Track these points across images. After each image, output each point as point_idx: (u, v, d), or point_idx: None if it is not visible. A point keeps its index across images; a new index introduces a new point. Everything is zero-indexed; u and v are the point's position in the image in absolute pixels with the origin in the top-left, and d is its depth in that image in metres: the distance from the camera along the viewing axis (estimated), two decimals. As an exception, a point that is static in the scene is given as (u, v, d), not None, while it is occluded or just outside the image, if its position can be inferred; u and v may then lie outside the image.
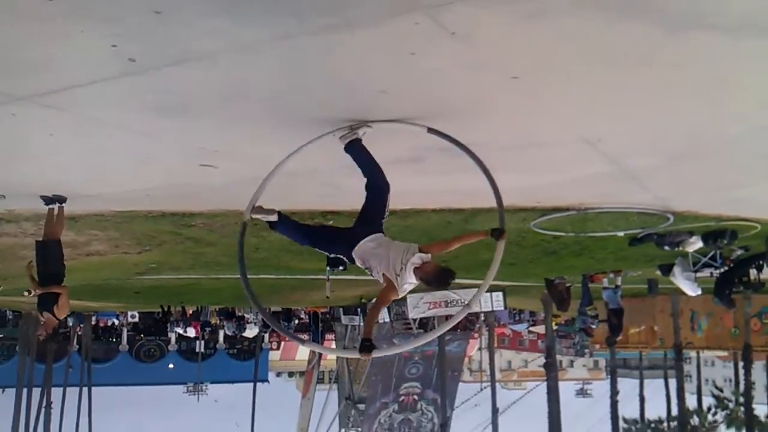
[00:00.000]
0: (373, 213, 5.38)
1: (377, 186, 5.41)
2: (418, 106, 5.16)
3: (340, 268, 11.52)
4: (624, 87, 4.81)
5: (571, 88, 4.85)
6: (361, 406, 28.18)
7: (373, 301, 5.83)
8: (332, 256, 11.66)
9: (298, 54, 4.21)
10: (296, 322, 38.61)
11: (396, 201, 7.69)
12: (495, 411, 28.12)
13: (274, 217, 5.84)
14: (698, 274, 13.59)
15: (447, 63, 4.36)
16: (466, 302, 5.66)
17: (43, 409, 33.32)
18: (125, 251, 12.01)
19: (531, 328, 50.07)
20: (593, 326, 17.68)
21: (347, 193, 8.23)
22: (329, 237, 5.69)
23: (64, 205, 8.26)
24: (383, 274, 5.05)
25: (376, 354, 5.21)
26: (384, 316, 23.73)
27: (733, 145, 6.29)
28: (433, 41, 4.01)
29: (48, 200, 8.21)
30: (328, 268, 11.78)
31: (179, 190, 8.29)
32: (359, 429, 28.46)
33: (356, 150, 5.45)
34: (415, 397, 26.62)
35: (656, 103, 5.15)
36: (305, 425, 26.51)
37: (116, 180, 7.77)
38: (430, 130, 5.18)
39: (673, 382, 37.44)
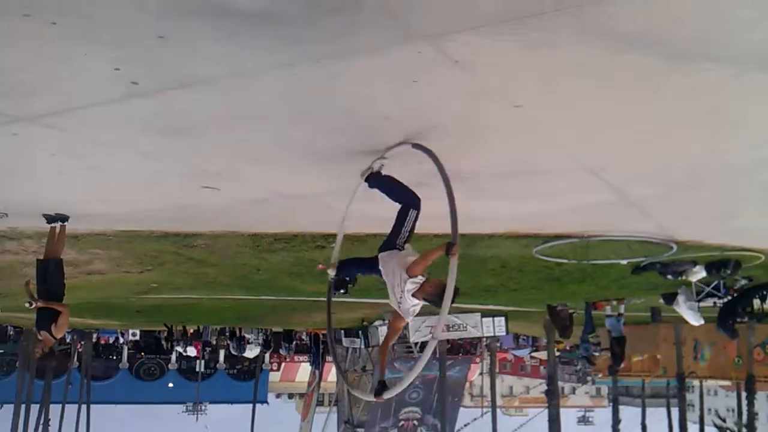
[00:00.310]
0: (392, 232, 5.35)
1: (404, 206, 5.40)
2: (420, 133, 5.15)
3: (342, 292, 11.44)
4: (627, 116, 4.81)
5: (574, 118, 4.85)
6: (360, 430, 27.93)
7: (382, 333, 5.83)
8: (333, 278, 11.69)
9: (299, 81, 4.21)
10: (296, 343, 38.53)
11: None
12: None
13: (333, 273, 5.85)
14: (702, 304, 13.51)
15: (449, 91, 4.35)
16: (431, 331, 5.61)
17: (41, 426, 33.13)
18: (127, 270, 11.98)
19: (533, 354, 49.81)
20: (596, 354, 17.55)
21: (349, 216, 8.25)
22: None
23: (66, 223, 8.25)
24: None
25: (387, 396, 5.25)
26: (385, 339, 23.57)
27: (735, 176, 6.28)
28: (435, 70, 4.01)
29: (50, 219, 8.20)
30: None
31: (181, 211, 8.29)
32: (359, 453, 28.22)
33: (378, 182, 5.51)
34: (415, 422, 26.37)
35: (659, 132, 5.13)
36: (304, 449, 26.31)
37: (118, 200, 7.76)
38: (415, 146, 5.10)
39: (675, 411, 37.10)
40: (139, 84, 4.26)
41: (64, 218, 8.21)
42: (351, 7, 3.35)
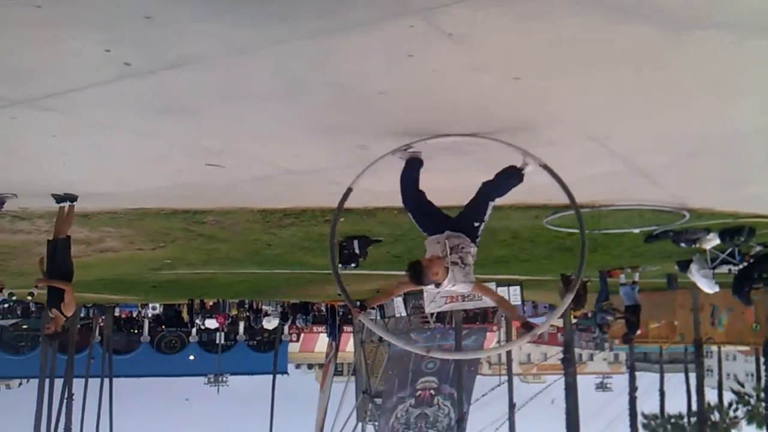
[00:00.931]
0: (473, 214, 5.59)
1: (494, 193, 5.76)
2: (419, 107, 5.09)
3: (352, 265, 11.46)
4: (629, 87, 4.70)
5: (574, 89, 4.75)
6: (378, 400, 28.14)
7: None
8: (345, 252, 11.73)
9: (293, 57, 4.15)
10: (313, 314, 38.80)
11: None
12: (512, 407, 27.99)
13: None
14: (717, 271, 13.39)
15: (446, 64, 4.28)
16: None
17: (65, 401, 33.70)
18: (139, 247, 12.06)
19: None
20: (609, 320, 17.48)
21: (357, 190, 8.21)
22: (431, 212, 5.70)
23: (75, 203, 8.28)
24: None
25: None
26: (401, 309, 23.65)
27: (742, 142, 6.16)
28: (430, 43, 3.94)
29: (59, 198, 8.23)
30: (340, 265, 11.72)
31: (188, 189, 8.28)
32: (376, 423, 28.44)
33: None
34: (432, 391, 26.54)
35: (663, 102, 5.03)
36: (321, 419, 26.52)
37: (124, 179, 7.77)
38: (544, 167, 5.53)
39: (693, 377, 37.08)
40: (132, 65, 4.23)
41: (72, 198, 8.24)
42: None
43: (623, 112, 5.28)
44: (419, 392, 26.89)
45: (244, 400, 54.79)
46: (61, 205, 8.29)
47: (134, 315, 46.65)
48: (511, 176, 5.77)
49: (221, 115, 5.31)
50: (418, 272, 4.92)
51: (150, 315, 45.16)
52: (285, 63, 4.26)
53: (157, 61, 4.21)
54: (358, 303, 5.43)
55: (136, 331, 47.81)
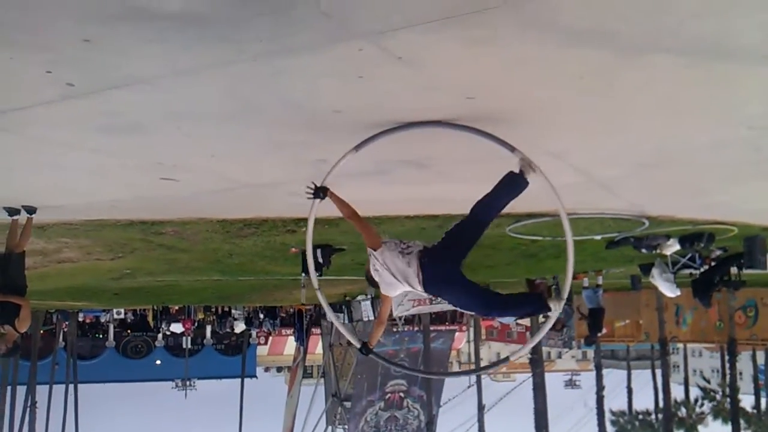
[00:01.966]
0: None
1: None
2: (376, 125, 5.02)
3: (317, 274, 11.35)
4: (582, 106, 4.69)
5: (528, 109, 4.73)
6: (348, 404, 28.05)
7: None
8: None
9: (239, 78, 4.06)
10: (280, 318, 38.57)
11: (370, 209, 7.67)
12: (481, 408, 28.10)
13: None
14: (679, 273, 13.54)
15: (397, 86, 4.22)
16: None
17: (28, 408, 33.09)
18: (98, 258, 11.84)
19: (518, 321, 50.14)
20: (561, 318, 17.53)
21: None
22: None
23: (33, 216, 8.06)
24: None
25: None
26: (368, 313, 23.58)
27: (698, 156, 6.20)
28: (380, 66, 3.87)
29: (12, 211, 8.02)
30: (303, 275, 11.62)
31: (144, 202, 8.14)
32: (346, 426, 28.36)
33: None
34: (401, 394, 26.52)
35: (618, 119, 5.04)
36: (290, 424, 26.35)
37: (78, 192, 7.60)
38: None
39: (660, 373, 37.59)
40: (75, 86, 4.11)
41: (31, 210, 8.02)
42: (279, 8, 3.20)
43: (579, 129, 5.28)
44: (388, 395, 26.86)
45: (213, 404, 54.34)
46: (14, 218, 8.08)
47: (99, 320, 45.88)
48: (511, 184, 5.12)
49: (172, 133, 5.19)
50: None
51: (114, 319, 44.42)
52: (233, 84, 4.16)
53: (101, 82, 4.09)
54: (362, 344, 5.41)
55: (101, 336, 46.94)
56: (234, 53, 3.69)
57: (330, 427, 30.22)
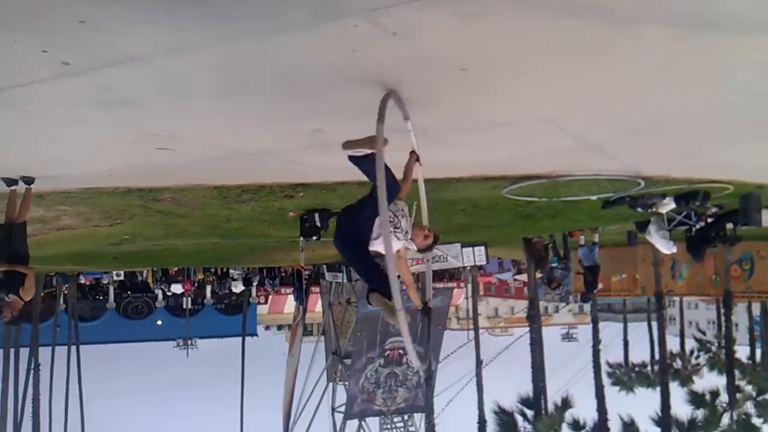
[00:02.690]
0: None
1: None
2: (368, 96, 5.03)
3: (314, 238, 11.46)
4: (578, 75, 4.71)
5: (522, 78, 4.75)
6: (348, 361, 28.41)
7: None
8: (307, 225, 11.70)
9: (233, 55, 4.07)
10: (280, 277, 38.81)
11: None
12: (479, 363, 28.50)
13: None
14: (675, 230, 13.62)
15: (392, 59, 4.23)
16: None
17: (31, 371, 33.40)
18: (96, 224, 11.87)
19: (516, 277, 50.47)
20: (557, 277, 17.72)
21: (312, 167, 8.18)
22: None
23: (31, 186, 8.09)
24: None
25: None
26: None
27: (691, 119, 6.22)
28: (374, 41, 3.88)
29: (10, 182, 8.04)
30: (301, 238, 11.71)
31: (141, 170, 8.15)
32: (346, 383, 28.77)
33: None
34: (401, 351, 26.80)
35: (611, 86, 5.05)
36: (291, 383, 26.75)
37: (76, 163, 7.62)
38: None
39: (656, 326, 37.95)
40: (71, 64, 4.12)
41: (29, 180, 8.04)
42: (273, -11, 3.21)
43: (573, 95, 5.28)
44: (388, 352, 27.17)
45: (215, 363, 55.00)
46: (12, 187, 8.11)
47: (100, 282, 46.04)
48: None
49: (166, 107, 5.21)
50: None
51: (114, 281, 44.57)
52: (224, 61, 4.17)
53: (96, 61, 4.10)
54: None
55: (101, 298, 47.17)
56: (225, 32, 3.70)
57: (331, 384, 30.68)
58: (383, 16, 3.55)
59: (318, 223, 11.19)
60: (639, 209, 11.49)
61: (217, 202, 10.36)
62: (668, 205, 11.41)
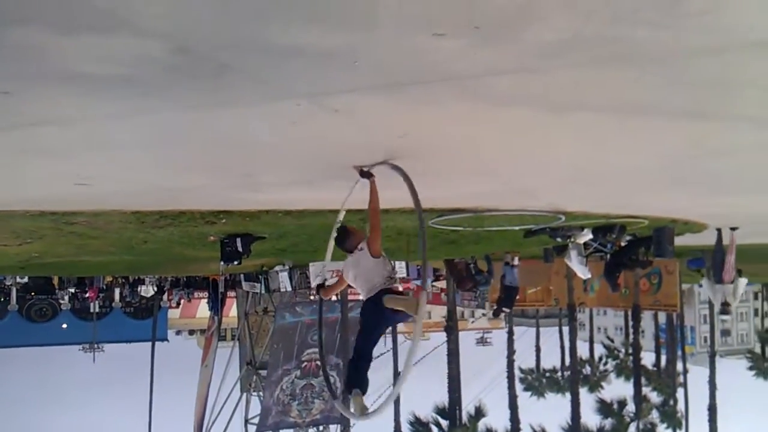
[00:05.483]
0: None
1: None
2: (307, 157, 4.95)
3: (235, 263, 11.22)
4: (514, 148, 4.75)
5: (457, 144, 4.75)
6: (263, 372, 27.98)
7: None
8: (228, 249, 11.43)
9: (168, 123, 3.90)
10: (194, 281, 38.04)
11: (294, 204, 7.56)
12: (396, 373, 28.57)
13: None
14: (590, 258, 13.98)
15: (330, 131, 4.15)
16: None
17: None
18: (4, 244, 11.29)
19: (434, 283, 51.01)
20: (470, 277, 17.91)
21: (239, 200, 8.02)
22: None
23: None
24: None
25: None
26: (286, 284, 23.45)
27: (617, 176, 6.40)
28: (315, 116, 3.80)
29: None
30: (222, 263, 11.45)
31: (57, 196, 7.78)
32: (261, 394, 28.33)
33: None
34: (318, 362, 26.57)
35: (546, 153, 5.13)
36: (204, 393, 26.12)
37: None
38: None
39: (568, 335, 39.13)
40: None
41: None
42: (213, 75, 3.08)
43: (508, 158, 5.33)
44: (305, 363, 26.86)
45: (123, 368, 53.36)
46: None
47: (1, 283, 43.88)
48: None
49: (92, 158, 4.96)
50: None
51: (18, 283, 42.53)
52: (159, 127, 4.00)
53: (19, 122, 3.86)
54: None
55: (2, 300, 44.95)
56: (163, 105, 3.55)
57: (245, 395, 30.19)
58: (327, 99, 3.47)
59: (240, 248, 10.95)
60: (558, 239, 11.76)
61: (134, 226, 9.99)
62: (586, 236, 11.72)
